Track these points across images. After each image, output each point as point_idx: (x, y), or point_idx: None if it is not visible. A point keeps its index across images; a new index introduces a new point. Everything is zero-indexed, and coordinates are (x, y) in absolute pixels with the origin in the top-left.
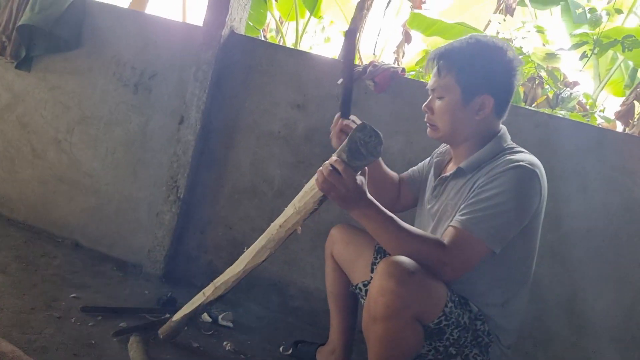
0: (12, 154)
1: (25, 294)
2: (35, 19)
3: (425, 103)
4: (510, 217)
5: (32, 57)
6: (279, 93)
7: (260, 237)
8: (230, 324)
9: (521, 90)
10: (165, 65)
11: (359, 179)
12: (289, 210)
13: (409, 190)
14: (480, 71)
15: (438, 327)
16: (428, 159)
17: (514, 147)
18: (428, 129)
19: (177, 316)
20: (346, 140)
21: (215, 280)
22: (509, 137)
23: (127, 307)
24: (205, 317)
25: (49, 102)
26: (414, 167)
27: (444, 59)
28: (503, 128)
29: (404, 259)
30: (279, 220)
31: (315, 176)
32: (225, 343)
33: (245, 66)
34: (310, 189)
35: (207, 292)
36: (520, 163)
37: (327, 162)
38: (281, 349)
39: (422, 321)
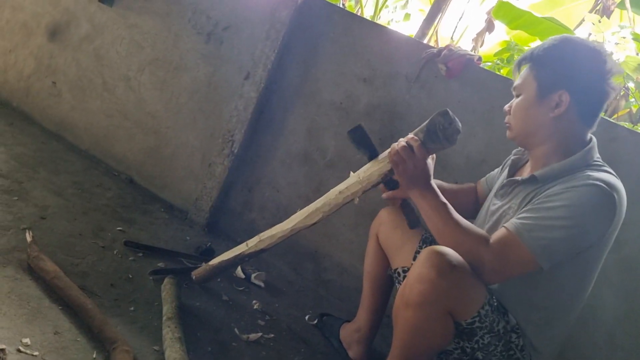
0: (84, 84)
1: (75, 219)
2: None
3: (507, 104)
4: (568, 236)
5: None
6: (348, 64)
7: (317, 200)
8: (262, 284)
9: None
10: (239, 18)
11: (429, 161)
12: (351, 179)
13: (486, 195)
14: (561, 66)
15: (470, 327)
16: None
17: (601, 165)
18: (507, 131)
19: (215, 261)
20: (426, 122)
21: (261, 234)
22: (596, 153)
23: (168, 249)
24: (239, 273)
25: (125, 39)
26: (493, 171)
27: (528, 57)
28: (593, 141)
29: (448, 250)
30: (340, 186)
31: (388, 150)
32: (254, 302)
33: (318, 32)
34: (378, 162)
35: (251, 244)
36: (599, 182)
37: (402, 138)
38: (307, 317)
39: (455, 317)
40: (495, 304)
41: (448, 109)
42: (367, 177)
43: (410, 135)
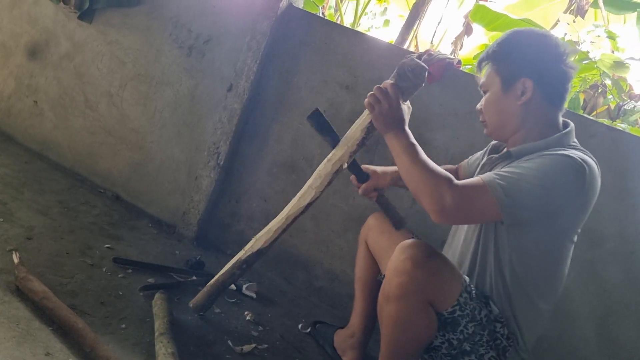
0: (66, 102)
1: (62, 238)
2: None
3: (478, 104)
4: (532, 192)
5: (94, 9)
6: (330, 72)
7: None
8: (254, 295)
9: (581, 97)
10: (220, 31)
11: (404, 105)
12: (337, 147)
13: (467, 177)
14: (518, 56)
15: (452, 316)
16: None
17: (577, 147)
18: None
19: (213, 281)
20: (396, 68)
21: (257, 235)
22: (573, 138)
23: (157, 264)
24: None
25: (105, 55)
26: (475, 154)
27: (486, 56)
28: (570, 126)
29: (421, 242)
30: (328, 157)
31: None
32: (246, 312)
33: (299, 41)
34: (359, 120)
35: (247, 247)
36: (571, 155)
37: None
38: (300, 326)
39: (436, 308)
40: (473, 291)
41: (413, 57)
42: (351, 137)
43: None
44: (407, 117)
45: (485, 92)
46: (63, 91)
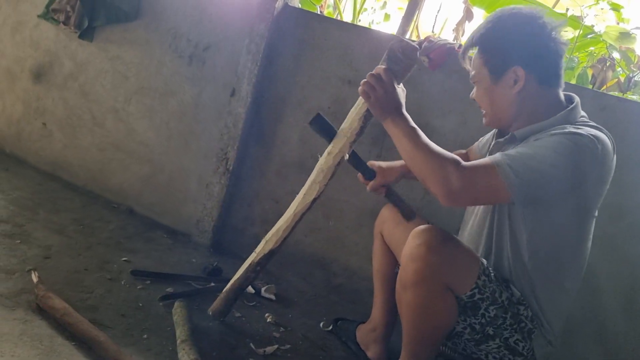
0: (74, 121)
1: (80, 254)
2: None
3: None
4: (542, 171)
5: (94, 27)
6: (331, 68)
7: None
8: (273, 297)
9: (589, 72)
10: (219, 37)
11: (399, 89)
12: (336, 139)
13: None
14: (504, 45)
15: (471, 300)
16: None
17: (586, 122)
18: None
19: (229, 286)
20: (386, 52)
21: (265, 236)
22: (580, 112)
23: (175, 273)
24: (249, 288)
25: (109, 71)
26: (485, 136)
27: (471, 44)
28: (576, 100)
29: (435, 227)
30: (327, 150)
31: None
32: (266, 315)
33: (298, 40)
34: (354, 108)
35: (258, 249)
36: (580, 131)
37: None
38: (321, 324)
39: (454, 292)
40: (492, 273)
41: (401, 37)
42: (348, 127)
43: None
44: (403, 101)
45: (475, 84)
46: (70, 111)
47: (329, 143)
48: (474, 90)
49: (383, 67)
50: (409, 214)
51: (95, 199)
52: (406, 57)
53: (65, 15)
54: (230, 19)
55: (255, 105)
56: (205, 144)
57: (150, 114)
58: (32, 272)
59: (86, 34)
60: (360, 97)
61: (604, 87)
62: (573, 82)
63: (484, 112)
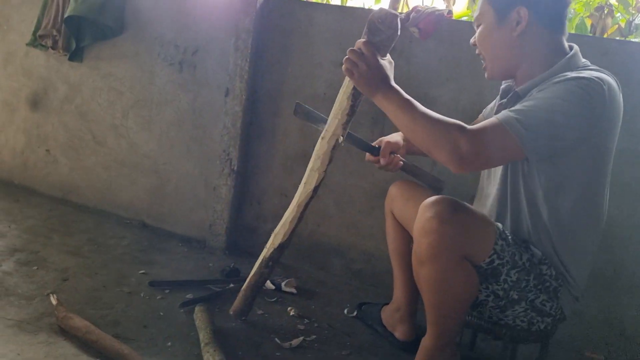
0: (76, 144)
1: (97, 273)
2: (79, 9)
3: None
4: (555, 121)
5: (82, 47)
6: (321, 53)
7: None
8: (294, 290)
9: (588, 22)
10: (206, 39)
11: (383, 62)
12: (328, 122)
13: None
14: None
15: (491, 266)
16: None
17: (588, 66)
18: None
19: (245, 285)
20: (365, 24)
21: (274, 231)
22: (581, 59)
23: (193, 279)
24: (269, 285)
25: (103, 89)
26: (487, 106)
27: None
28: (575, 49)
29: (445, 198)
30: (321, 135)
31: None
32: (289, 309)
33: (284, 30)
34: (342, 89)
35: (268, 245)
36: (584, 75)
37: None
38: (345, 311)
39: (472, 261)
40: (510, 237)
41: (382, 7)
42: (338, 109)
43: None
44: (390, 73)
45: (478, 26)
46: (71, 133)
47: (318, 127)
48: (476, 34)
49: (363, 40)
50: (436, 184)
51: (107, 217)
52: (387, 27)
53: (52, 39)
54: (215, 19)
55: (251, 101)
56: (207, 148)
57: (149, 125)
58: (51, 295)
59: (75, 55)
60: (346, 77)
61: (605, 34)
62: (566, 28)
63: (485, 60)
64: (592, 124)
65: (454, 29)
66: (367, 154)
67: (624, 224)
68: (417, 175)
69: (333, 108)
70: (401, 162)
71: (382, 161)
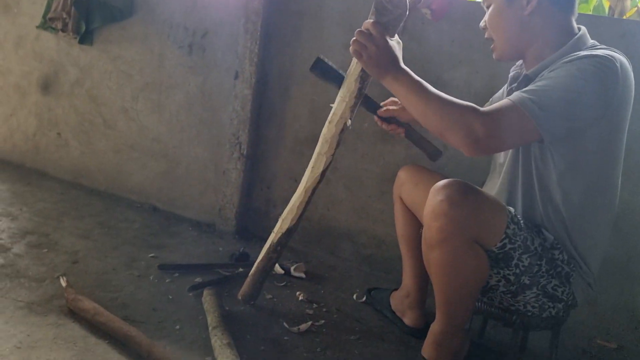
0: (87, 127)
1: (107, 256)
2: None
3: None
4: (570, 99)
5: (92, 30)
6: (332, 35)
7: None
8: (303, 275)
9: (606, 4)
10: (215, 21)
11: (392, 43)
12: (335, 105)
13: None
14: None
15: (502, 251)
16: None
17: (597, 46)
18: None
19: (254, 269)
20: (373, 4)
21: (281, 215)
22: (589, 40)
23: (202, 263)
24: (278, 269)
25: (113, 72)
26: (499, 91)
27: None
28: (582, 30)
29: (456, 181)
30: (328, 119)
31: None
32: (298, 293)
33: (293, 12)
34: (349, 70)
35: (276, 229)
36: (595, 53)
37: None
38: (354, 296)
39: (483, 245)
40: (522, 221)
41: None
42: (347, 90)
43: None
44: (399, 54)
45: (488, 7)
46: (81, 117)
47: (338, 88)
48: (485, 16)
49: (371, 21)
50: (433, 153)
51: (118, 201)
52: (395, 7)
53: (63, 22)
54: (224, 1)
55: (261, 84)
56: (217, 131)
57: (159, 108)
58: (61, 277)
59: (85, 38)
60: (354, 58)
61: (624, 16)
62: (576, 9)
63: (494, 42)
64: (607, 102)
65: (467, 10)
66: (375, 117)
67: (637, 209)
68: (419, 143)
69: (340, 91)
70: (404, 130)
71: (386, 127)
